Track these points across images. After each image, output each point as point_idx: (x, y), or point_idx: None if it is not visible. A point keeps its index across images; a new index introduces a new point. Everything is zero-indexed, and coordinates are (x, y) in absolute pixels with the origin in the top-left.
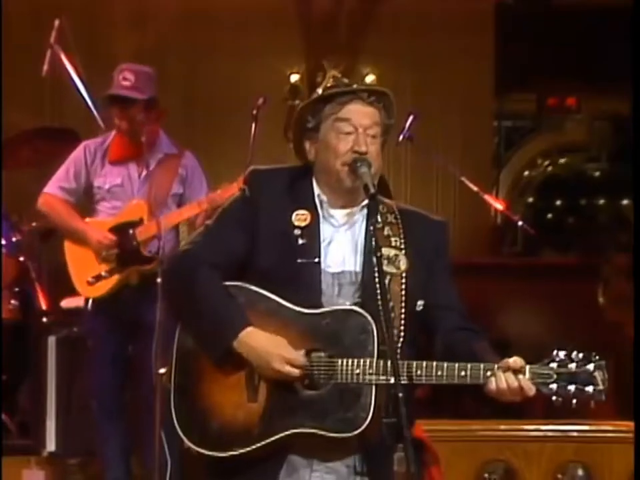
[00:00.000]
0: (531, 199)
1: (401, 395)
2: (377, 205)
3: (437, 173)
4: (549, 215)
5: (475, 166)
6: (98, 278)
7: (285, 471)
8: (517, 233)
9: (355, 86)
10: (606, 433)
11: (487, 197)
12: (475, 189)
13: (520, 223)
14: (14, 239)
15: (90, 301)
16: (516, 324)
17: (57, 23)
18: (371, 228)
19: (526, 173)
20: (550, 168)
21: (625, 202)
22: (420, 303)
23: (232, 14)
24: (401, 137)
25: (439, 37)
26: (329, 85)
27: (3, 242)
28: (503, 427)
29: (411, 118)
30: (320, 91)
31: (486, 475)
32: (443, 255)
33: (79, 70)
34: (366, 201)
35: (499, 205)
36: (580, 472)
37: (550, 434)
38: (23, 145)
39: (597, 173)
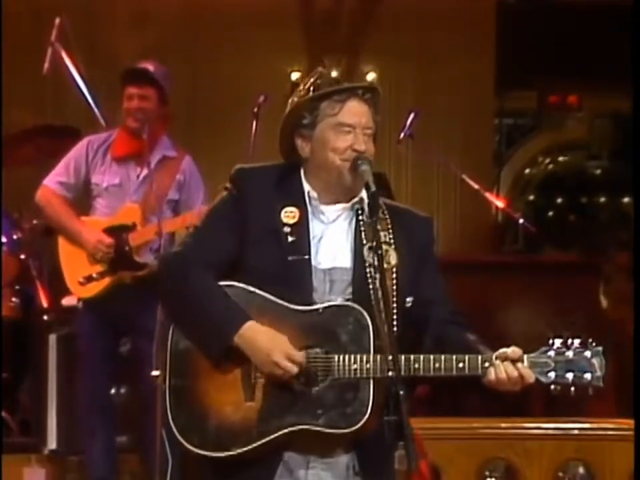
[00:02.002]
0: (531, 197)
1: (402, 392)
2: (378, 203)
3: (437, 170)
4: (550, 213)
5: (476, 164)
6: (89, 279)
7: (282, 469)
8: (518, 231)
9: (345, 84)
10: (607, 430)
11: (487, 195)
12: (476, 186)
13: (521, 221)
14: (15, 237)
15: (80, 301)
16: (516, 322)
17: (57, 21)
18: (370, 224)
19: (527, 170)
20: (551, 166)
21: (626, 200)
22: (409, 299)
23: (233, 12)
24: (402, 135)
25: (440, 35)
26: (319, 82)
27: (4, 240)
28: (503, 425)
29: (412, 116)
30: (311, 88)
31: (487, 473)
32: (430, 250)
33: (80, 68)
34: (357, 198)
35: (499, 203)
36: (581, 470)
37: (551, 432)
38: (25, 142)
39: (598, 171)
